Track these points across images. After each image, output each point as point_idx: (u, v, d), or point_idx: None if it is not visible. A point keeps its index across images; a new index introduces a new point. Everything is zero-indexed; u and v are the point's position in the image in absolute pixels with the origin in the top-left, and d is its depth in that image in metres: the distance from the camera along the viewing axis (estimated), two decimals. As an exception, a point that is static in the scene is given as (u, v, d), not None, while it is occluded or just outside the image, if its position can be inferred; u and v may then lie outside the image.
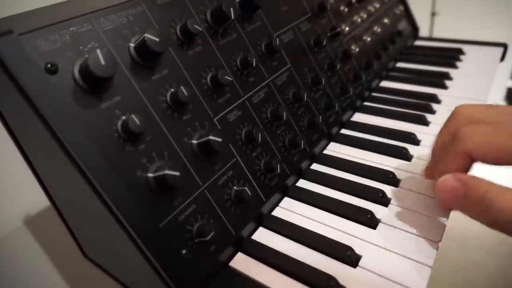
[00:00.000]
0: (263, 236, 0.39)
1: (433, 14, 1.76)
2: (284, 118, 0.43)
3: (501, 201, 0.30)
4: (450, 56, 0.77)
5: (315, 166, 0.49)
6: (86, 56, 0.29)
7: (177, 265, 0.31)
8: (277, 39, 0.46)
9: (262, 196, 0.41)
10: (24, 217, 0.56)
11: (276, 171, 0.41)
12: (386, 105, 0.61)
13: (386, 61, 0.71)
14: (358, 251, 0.36)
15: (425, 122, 0.55)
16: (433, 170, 0.39)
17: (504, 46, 0.77)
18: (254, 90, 0.43)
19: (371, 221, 0.39)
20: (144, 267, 0.30)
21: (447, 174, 0.34)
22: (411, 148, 0.50)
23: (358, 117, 0.59)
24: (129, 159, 0.30)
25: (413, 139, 0.52)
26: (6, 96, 0.29)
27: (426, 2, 1.75)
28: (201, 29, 0.37)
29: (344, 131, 0.56)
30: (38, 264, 0.57)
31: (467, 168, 0.35)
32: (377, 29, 0.71)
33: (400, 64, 0.76)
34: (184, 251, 0.32)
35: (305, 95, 0.47)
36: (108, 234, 0.34)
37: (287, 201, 0.44)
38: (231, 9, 0.39)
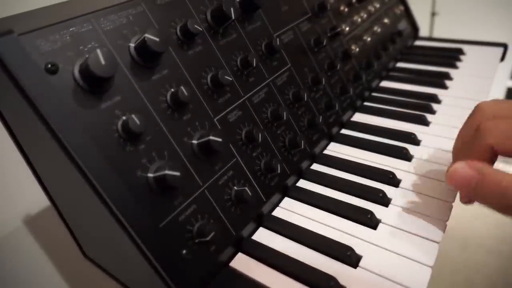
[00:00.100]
0: (264, 236, 0.39)
1: (433, 14, 1.76)
2: (284, 118, 0.43)
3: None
4: (450, 56, 0.77)
5: (315, 166, 0.49)
6: (86, 56, 0.29)
7: (177, 265, 0.31)
8: (277, 39, 0.46)
9: (262, 196, 0.41)
10: (24, 217, 0.56)
11: (276, 171, 0.41)
12: (386, 105, 0.61)
13: (386, 61, 0.71)
14: (358, 251, 0.36)
15: (425, 122, 0.55)
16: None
17: (504, 46, 0.77)
18: (254, 90, 0.43)
19: (371, 221, 0.39)
20: (144, 267, 0.30)
21: (459, 162, 0.33)
22: (411, 148, 0.50)
23: (358, 117, 0.59)
24: (129, 159, 0.30)
25: (413, 139, 0.52)
26: (6, 96, 0.29)
27: (426, 2, 1.74)
28: (201, 29, 0.37)
29: (344, 131, 0.56)
30: (38, 264, 0.57)
31: (491, 162, 0.34)
32: (377, 29, 0.71)
33: (400, 64, 0.76)
34: (184, 251, 0.32)
35: (305, 95, 0.47)
36: (108, 234, 0.34)
37: (287, 201, 0.44)
38: (231, 9, 0.39)
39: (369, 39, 0.67)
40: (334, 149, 0.52)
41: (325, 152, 0.52)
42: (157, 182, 0.31)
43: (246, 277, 0.35)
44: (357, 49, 0.63)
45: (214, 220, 0.35)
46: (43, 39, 0.28)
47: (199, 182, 0.35)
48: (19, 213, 0.56)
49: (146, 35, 0.31)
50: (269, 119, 0.44)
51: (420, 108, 0.58)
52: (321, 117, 0.50)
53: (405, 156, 0.48)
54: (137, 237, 0.29)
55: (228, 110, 0.40)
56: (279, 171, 0.41)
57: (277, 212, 0.42)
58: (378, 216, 0.40)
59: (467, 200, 0.37)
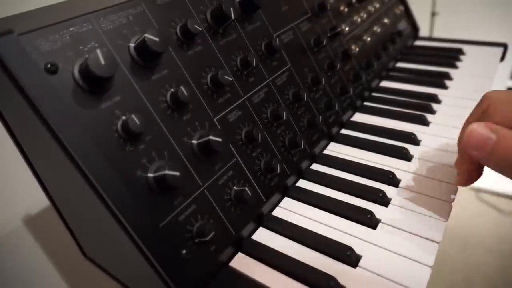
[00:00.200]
0: (263, 236, 0.39)
1: (433, 14, 1.76)
2: (284, 118, 0.43)
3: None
4: (450, 56, 0.77)
5: (315, 166, 0.49)
6: (86, 56, 0.29)
7: (177, 265, 0.31)
8: (277, 39, 0.46)
9: (262, 196, 0.41)
10: (24, 217, 0.56)
11: (276, 171, 0.41)
12: (386, 105, 0.61)
13: (386, 61, 0.71)
14: (358, 251, 0.36)
15: (425, 122, 0.55)
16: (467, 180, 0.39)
17: (504, 46, 0.77)
18: (254, 90, 0.43)
19: (371, 221, 0.39)
20: (144, 267, 0.30)
21: (476, 123, 0.33)
22: (411, 148, 0.50)
23: (358, 117, 0.59)
24: (129, 159, 0.30)
25: (413, 139, 0.52)
26: (6, 96, 0.29)
27: (426, 2, 1.75)
28: (201, 29, 0.37)
29: (344, 131, 0.56)
30: (38, 264, 0.57)
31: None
32: (377, 29, 0.71)
33: (400, 64, 0.76)
34: (184, 251, 0.32)
35: (305, 95, 0.47)
36: (108, 234, 0.34)
37: (287, 201, 0.44)
38: (231, 9, 0.39)
39: (369, 39, 0.67)
40: (334, 149, 0.52)
41: (325, 152, 0.52)
42: (157, 182, 0.31)
43: (246, 277, 0.35)
44: (357, 49, 0.63)
45: (214, 220, 0.35)
46: (43, 39, 0.28)
47: (199, 182, 0.35)
48: (19, 213, 0.56)
49: (146, 35, 0.31)
50: (269, 119, 0.44)
51: (420, 108, 0.58)
52: (321, 117, 0.50)
53: (405, 156, 0.48)
54: (137, 237, 0.29)
55: (228, 110, 0.40)
56: (279, 171, 0.41)
57: (277, 212, 0.42)
58: (378, 216, 0.40)
59: (468, 179, 0.38)
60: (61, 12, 0.33)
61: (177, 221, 0.32)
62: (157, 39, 0.31)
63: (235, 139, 0.40)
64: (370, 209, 0.40)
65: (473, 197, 1.36)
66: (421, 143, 0.51)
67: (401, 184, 0.44)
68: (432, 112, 0.58)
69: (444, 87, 0.65)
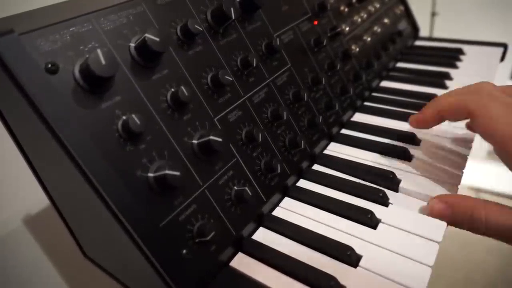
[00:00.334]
0: (264, 236, 0.39)
1: (433, 14, 1.76)
2: (284, 118, 0.43)
3: (495, 219, 0.34)
4: (450, 56, 0.77)
5: (315, 166, 0.49)
6: (87, 56, 0.29)
7: (177, 265, 0.31)
8: (278, 39, 0.46)
9: (262, 196, 0.41)
10: (24, 217, 0.56)
11: (277, 171, 0.41)
12: (387, 105, 0.61)
13: (386, 61, 0.71)
14: (358, 251, 0.36)
15: (425, 122, 0.55)
16: (421, 125, 0.47)
17: (504, 46, 0.77)
18: (255, 90, 0.43)
19: (371, 221, 0.39)
20: (144, 267, 0.30)
21: (433, 198, 0.39)
22: (411, 148, 0.50)
23: (359, 117, 0.59)
24: (129, 159, 0.30)
25: (413, 139, 0.52)
26: (6, 96, 0.29)
27: (426, 2, 1.75)
28: (201, 29, 0.37)
29: (344, 131, 0.56)
30: (38, 264, 0.57)
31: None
32: (377, 29, 0.71)
33: (400, 64, 0.76)
34: (184, 251, 0.32)
35: (305, 95, 0.47)
36: (108, 234, 0.34)
37: (287, 201, 0.44)
38: (232, 9, 0.39)
39: (369, 39, 0.67)
40: (334, 149, 0.52)
41: (325, 152, 0.52)
42: (157, 182, 0.31)
43: (246, 277, 0.35)
44: (357, 49, 0.63)
45: (214, 220, 0.35)
46: (43, 39, 0.28)
47: (199, 182, 0.35)
48: (19, 213, 0.56)
49: (147, 35, 0.31)
50: (269, 119, 0.44)
51: (420, 108, 0.58)
52: (321, 117, 0.50)
53: (405, 156, 0.48)
54: (137, 236, 0.29)
55: (228, 110, 0.40)
56: (279, 171, 0.41)
57: (277, 212, 0.42)
58: (378, 216, 0.40)
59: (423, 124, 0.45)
60: (62, 12, 0.33)
61: (177, 221, 0.32)
62: (157, 39, 0.31)
63: (235, 139, 0.40)
64: (371, 209, 0.40)
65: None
66: (422, 143, 0.51)
67: (401, 184, 0.44)
68: (432, 112, 0.58)
69: (444, 87, 0.65)
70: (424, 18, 1.74)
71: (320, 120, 0.49)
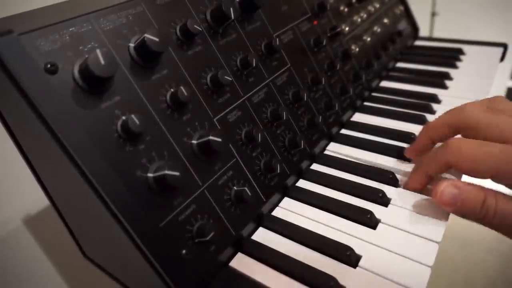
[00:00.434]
0: (263, 236, 0.39)
1: (433, 14, 1.76)
2: (284, 118, 0.43)
3: (503, 208, 0.33)
4: (450, 56, 0.77)
5: (315, 166, 0.49)
6: (86, 56, 0.29)
7: (177, 265, 0.31)
8: (277, 39, 0.46)
9: (262, 196, 0.41)
10: (24, 217, 0.56)
11: (276, 171, 0.41)
12: (386, 105, 0.61)
13: (386, 61, 0.71)
14: (358, 251, 0.36)
15: (425, 122, 0.55)
16: (415, 154, 0.46)
17: (504, 46, 0.77)
18: (254, 90, 0.43)
19: (371, 221, 0.39)
20: (143, 267, 0.30)
21: (444, 182, 0.36)
22: (411, 148, 0.50)
23: (358, 117, 0.59)
24: (129, 159, 0.30)
25: (413, 139, 0.51)
26: (6, 96, 0.29)
27: (426, 2, 1.75)
28: (201, 29, 0.37)
29: (344, 131, 0.56)
30: (38, 264, 0.57)
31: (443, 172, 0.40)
32: (377, 29, 0.71)
33: (400, 64, 0.76)
34: (184, 251, 0.32)
35: (305, 95, 0.47)
36: (108, 234, 0.34)
37: (287, 201, 0.44)
38: (231, 9, 0.39)
39: (369, 39, 0.67)
40: (334, 149, 0.52)
41: (325, 152, 0.52)
42: (157, 182, 0.31)
43: (245, 277, 0.35)
44: (357, 49, 0.63)
45: (214, 220, 0.35)
46: (43, 39, 0.28)
47: (199, 182, 0.35)
48: (19, 212, 0.56)
49: (146, 35, 0.31)
50: (269, 119, 0.44)
51: (420, 108, 0.58)
52: (321, 117, 0.50)
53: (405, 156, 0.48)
54: (136, 237, 0.29)
55: (227, 110, 0.40)
56: (278, 171, 0.41)
57: (277, 212, 0.42)
58: (377, 216, 0.40)
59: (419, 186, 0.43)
60: (61, 12, 0.33)
61: (177, 221, 0.32)
62: (157, 39, 0.31)
63: (235, 139, 0.40)
64: (370, 209, 0.40)
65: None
66: (421, 143, 0.51)
67: (401, 184, 0.44)
68: (432, 112, 0.58)
69: (444, 87, 0.65)
70: (424, 18, 1.74)
71: (320, 120, 0.49)
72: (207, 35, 0.40)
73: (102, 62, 0.28)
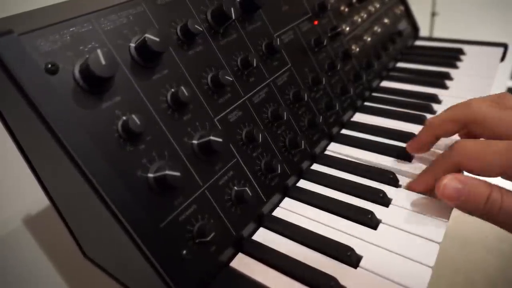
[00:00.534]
0: (264, 236, 0.39)
1: (433, 14, 1.76)
2: (285, 118, 0.43)
3: (509, 204, 0.32)
4: (450, 56, 0.77)
5: (315, 166, 0.49)
6: (87, 56, 0.29)
7: (177, 265, 0.31)
8: (278, 39, 0.46)
9: (262, 196, 0.41)
10: (24, 217, 0.56)
11: (277, 171, 0.41)
12: (387, 105, 0.61)
13: (387, 61, 0.71)
14: (358, 251, 0.36)
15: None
16: (417, 150, 0.46)
17: (504, 46, 0.77)
18: (255, 90, 0.43)
19: (371, 222, 0.39)
20: (144, 267, 0.30)
21: (448, 175, 0.35)
22: (411, 148, 0.50)
23: (359, 117, 0.59)
24: (129, 159, 0.30)
25: (413, 139, 0.51)
26: (6, 96, 0.29)
27: (426, 2, 1.75)
28: (201, 29, 0.37)
29: (344, 131, 0.56)
30: (38, 264, 0.57)
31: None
32: (377, 29, 0.71)
33: (401, 64, 0.76)
34: (184, 252, 0.32)
35: (306, 95, 0.47)
36: (108, 234, 0.34)
37: (287, 202, 0.44)
38: (232, 9, 0.39)
39: (369, 39, 0.67)
40: (335, 149, 0.52)
41: (326, 152, 0.51)
42: (158, 182, 0.31)
43: (246, 277, 0.35)
44: (358, 49, 0.63)
45: (215, 220, 0.35)
46: (43, 39, 0.28)
47: (199, 182, 0.35)
48: (19, 213, 0.56)
49: (147, 35, 0.31)
50: (270, 119, 0.44)
51: (420, 108, 0.58)
52: (321, 117, 0.50)
53: (406, 156, 0.48)
54: (137, 237, 0.29)
55: (228, 110, 0.40)
56: (279, 171, 0.41)
57: (278, 212, 0.42)
58: (378, 216, 0.40)
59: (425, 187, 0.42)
60: (62, 12, 0.33)
61: (177, 221, 0.32)
62: (157, 39, 0.31)
63: (235, 139, 0.40)
64: (371, 209, 0.40)
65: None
66: (422, 143, 0.51)
67: (401, 184, 0.44)
68: (433, 112, 0.58)
69: (444, 87, 0.65)
70: (424, 18, 1.74)
71: (321, 120, 0.49)
72: (208, 35, 0.40)
73: (103, 62, 0.28)
